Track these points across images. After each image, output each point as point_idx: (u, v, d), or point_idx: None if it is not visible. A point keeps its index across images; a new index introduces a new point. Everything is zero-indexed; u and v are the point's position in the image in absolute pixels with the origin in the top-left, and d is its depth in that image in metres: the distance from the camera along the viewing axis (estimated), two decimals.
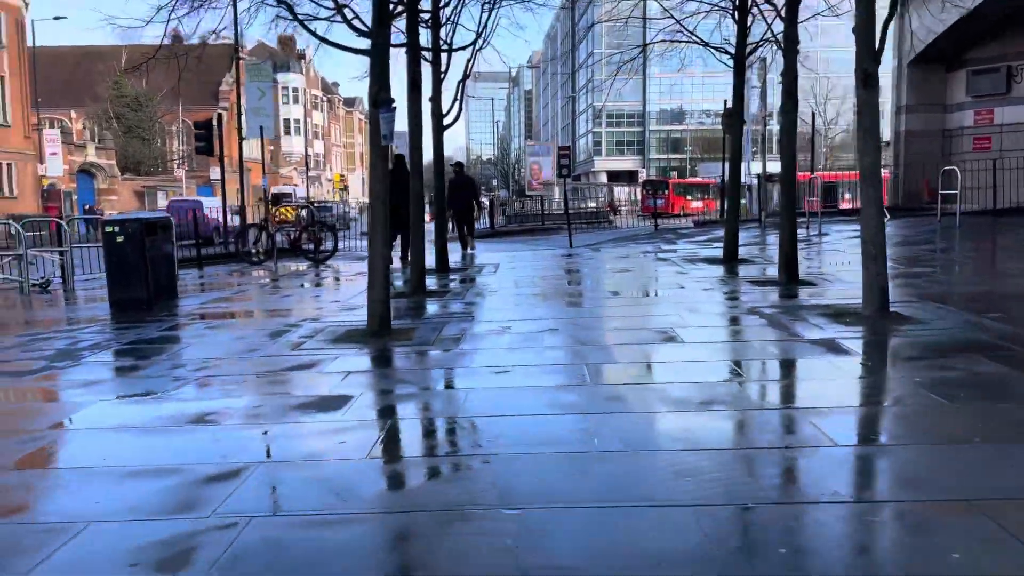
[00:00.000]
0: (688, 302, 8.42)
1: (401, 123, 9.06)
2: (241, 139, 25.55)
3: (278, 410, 4.68)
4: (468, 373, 5.58)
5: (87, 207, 40.03)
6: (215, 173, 63.75)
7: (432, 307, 8.88)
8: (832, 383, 4.97)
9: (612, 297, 9.04)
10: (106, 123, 55.75)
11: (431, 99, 12.13)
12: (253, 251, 14.93)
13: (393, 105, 7.07)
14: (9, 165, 39.62)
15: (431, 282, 11.02)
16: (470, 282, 10.95)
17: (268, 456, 3.82)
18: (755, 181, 34.18)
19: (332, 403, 4.78)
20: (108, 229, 9.42)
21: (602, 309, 8.31)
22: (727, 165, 12.03)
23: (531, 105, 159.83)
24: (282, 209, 21.48)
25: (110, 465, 3.81)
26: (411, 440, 4.17)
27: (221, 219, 19.87)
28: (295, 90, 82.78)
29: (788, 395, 4.81)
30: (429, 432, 4.31)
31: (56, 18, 40.10)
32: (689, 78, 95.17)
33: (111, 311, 9.35)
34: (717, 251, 13.95)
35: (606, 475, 3.39)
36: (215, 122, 22.90)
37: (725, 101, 31.10)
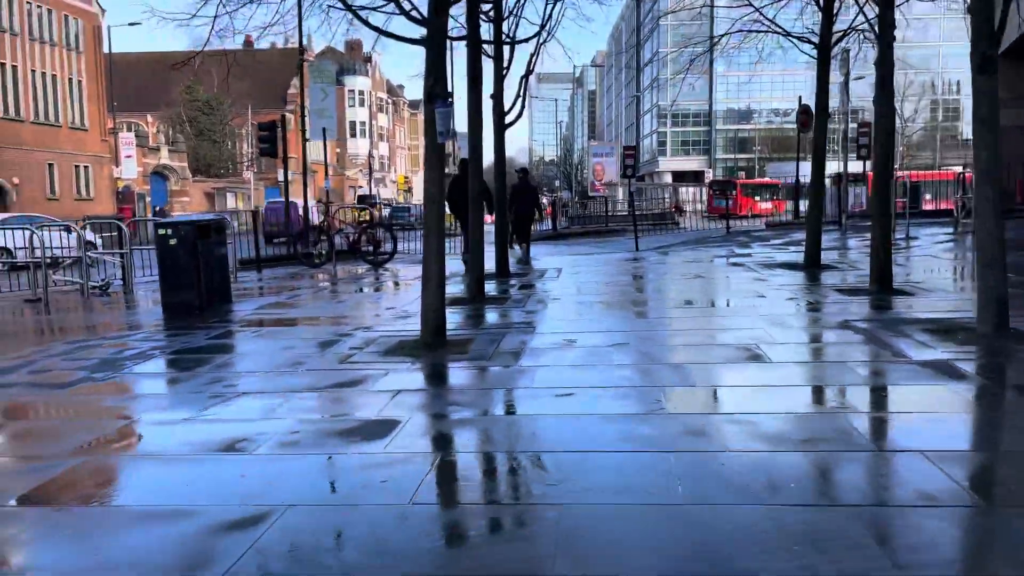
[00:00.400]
0: (771, 314, 7.66)
1: (461, 122, 8.56)
2: (304, 141, 25.59)
3: (316, 437, 4.18)
4: (529, 396, 4.99)
5: (157, 208, 40.95)
6: (282, 175, 64.51)
7: (491, 316, 8.33)
8: (958, 418, 4.21)
9: (685, 307, 8.33)
10: (179, 127, 57.21)
11: (492, 96, 11.60)
12: (314, 252, 14.66)
13: (450, 100, 6.54)
14: (86, 168, 40.79)
15: (491, 287, 10.49)
16: (531, 288, 10.38)
17: (297, 498, 3.30)
18: (828, 181, 32.72)
19: (377, 429, 4.25)
20: (160, 231, 9.17)
21: (675, 321, 7.62)
22: (810, 162, 11.14)
23: (595, 105, 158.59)
24: (355, 211, 21.26)
25: (119, 504, 3.36)
26: (463, 481, 3.60)
27: (314, 219, 19.95)
28: (361, 93, 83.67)
29: (908, 432, 4.06)
30: (484, 471, 3.74)
31: (131, 24, 40.78)
32: (758, 77, 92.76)
33: (163, 316, 9.09)
34: (796, 256, 13.05)
35: (695, 539, 2.75)
36: (279, 124, 22.86)
37: (800, 97, 29.81)
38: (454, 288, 10.41)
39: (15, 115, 35.86)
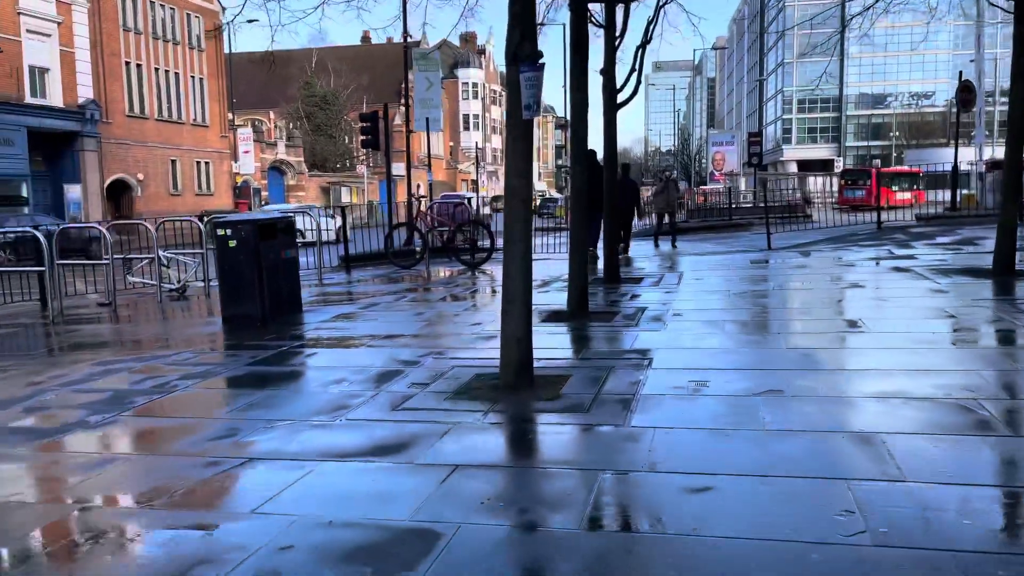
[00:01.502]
0: (977, 347, 5.67)
1: (556, 96, 6.93)
2: (409, 132, 24.65)
3: (314, 561, 2.70)
4: (644, 484, 3.34)
5: (238, 202, 41.27)
6: (397, 168, 65.33)
7: (595, 339, 6.69)
8: None
9: (850, 332, 6.39)
10: (296, 122, 58.29)
11: (603, 71, 9.91)
12: (417, 249, 13.42)
13: (541, 62, 4.94)
14: (207, 163, 41.75)
15: (596, 299, 8.84)
16: (645, 300, 8.65)
17: None
18: (982, 167, 28.93)
19: (405, 550, 2.73)
20: (220, 232, 8.04)
21: (841, 355, 5.73)
22: (1007, 138, 8.85)
23: (713, 93, 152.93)
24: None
25: None
26: None
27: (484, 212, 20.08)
28: (474, 85, 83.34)
29: None
30: None
31: (249, 21, 41.43)
32: (893, 58, 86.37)
33: (223, 329, 7.97)
34: (976, 258, 10.67)
35: None
36: (380, 115, 21.92)
37: (960, 73, 26.38)
38: (555, 297, 8.82)
39: (140, 112, 36.91)
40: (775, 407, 4.36)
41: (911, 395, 4.49)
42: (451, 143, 79.74)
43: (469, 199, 14.10)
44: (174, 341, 7.46)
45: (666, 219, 18.05)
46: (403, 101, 23.41)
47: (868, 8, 12.18)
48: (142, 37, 36.96)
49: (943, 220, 19.25)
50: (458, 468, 3.61)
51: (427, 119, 22.02)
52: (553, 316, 7.75)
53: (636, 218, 16.98)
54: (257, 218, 8.22)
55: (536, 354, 5.52)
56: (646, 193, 28.22)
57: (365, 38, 77.68)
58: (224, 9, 43.47)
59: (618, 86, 9.93)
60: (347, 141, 62.27)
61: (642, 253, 15.28)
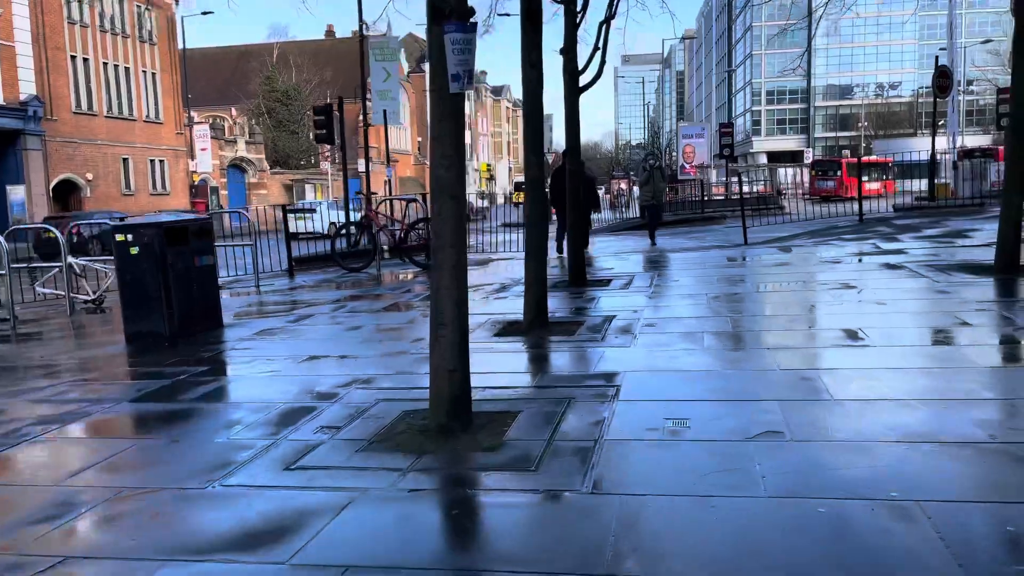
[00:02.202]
0: (1012, 367, 4.76)
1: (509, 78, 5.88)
2: (367, 126, 23.47)
3: None
4: None
5: (194, 202, 39.59)
6: (362, 165, 63.83)
7: (553, 358, 5.69)
8: None
9: (855, 348, 5.41)
10: (258, 118, 56.58)
11: (563, 50, 8.89)
12: (368, 249, 12.30)
13: (471, 20, 3.90)
14: (161, 162, 40.16)
15: (560, 304, 7.83)
16: (615, 308, 7.66)
17: None
18: (956, 156, 28.44)
19: None
20: (119, 237, 6.89)
21: (850, 377, 4.76)
22: (1010, 124, 7.98)
23: (683, 86, 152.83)
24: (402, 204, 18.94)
25: None
26: None
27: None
28: None
29: None
30: None
31: (204, 13, 39.86)
32: (861, 48, 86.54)
33: (125, 350, 6.84)
34: (971, 253, 9.83)
35: None
36: (335, 107, 20.72)
37: (936, 59, 25.75)
38: (513, 305, 7.79)
39: (88, 109, 35.24)
40: (774, 458, 3.38)
41: (945, 437, 3.52)
42: (419, 138, 78.32)
43: (425, 196, 12.98)
44: (59, 367, 6.31)
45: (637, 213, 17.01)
46: (362, 94, 22.18)
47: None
48: (89, 30, 35.26)
49: (923, 211, 18.54)
50: (348, 573, 2.57)
51: (384, 111, 20.89)
52: (507, 329, 6.73)
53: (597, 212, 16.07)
54: (164, 221, 7.09)
55: (480, 380, 4.52)
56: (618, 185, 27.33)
57: (329, 32, 75.96)
58: (177, 2, 41.85)
59: (580, 67, 8.92)
60: (311, 137, 60.65)
61: (613, 250, 14.32)
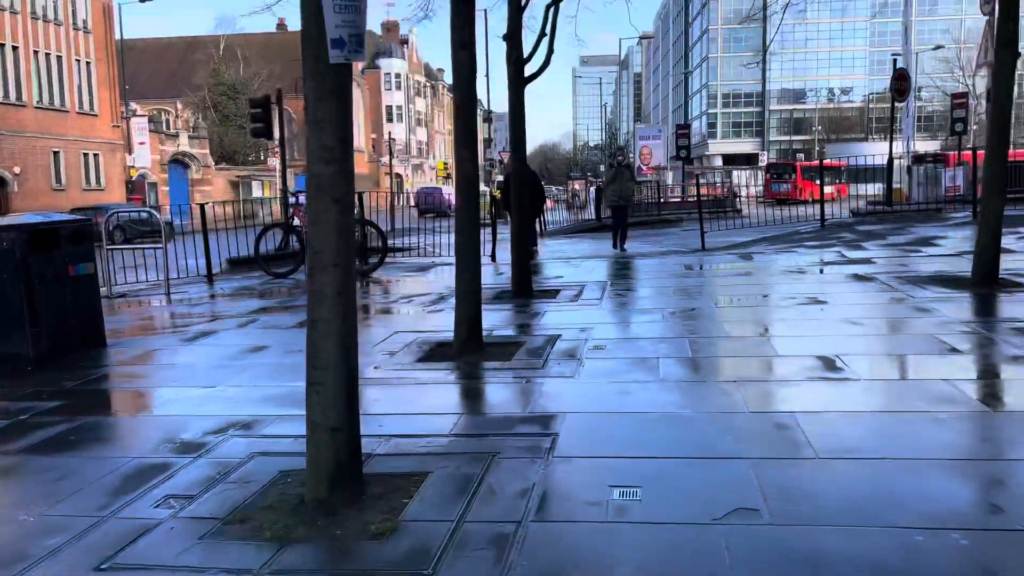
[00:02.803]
0: (997, 403, 4.00)
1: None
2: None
3: None
4: None
5: (131, 198, 37.80)
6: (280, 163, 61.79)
7: (480, 392, 4.79)
8: None
9: (836, 382, 4.57)
10: (204, 112, 54.59)
11: (506, 36, 8.00)
12: (296, 252, 11.23)
13: None
14: (96, 155, 38.24)
15: (499, 319, 6.92)
16: (561, 325, 6.78)
17: None
18: (906, 161, 28.29)
19: None
20: None
21: (835, 424, 3.93)
22: (990, 128, 7.27)
23: (640, 88, 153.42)
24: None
25: None
26: None
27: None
28: (397, 76, 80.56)
29: None
30: None
31: (142, 0, 38.08)
32: (813, 53, 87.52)
33: None
34: (942, 263, 9.18)
35: None
36: (273, 100, 19.51)
37: (895, 60, 25.47)
38: (447, 320, 6.86)
39: (16, 99, 33.29)
40: (749, 552, 2.51)
41: (973, 521, 2.70)
42: (373, 135, 76.82)
43: (360, 196, 11.94)
44: None
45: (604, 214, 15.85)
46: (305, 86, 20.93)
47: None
48: (19, 17, 33.28)
49: (881, 216, 18.07)
50: None
51: None
52: (434, 352, 5.80)
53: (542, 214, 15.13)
54: (28, 222, 5.99)
55: (387, 424, 3.65)
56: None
57: (280, 25, 74.09)
58: None
59: (526, 55, 8.03)
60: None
61: (566, 254, 13.46)
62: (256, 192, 51.30)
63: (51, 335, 6.01)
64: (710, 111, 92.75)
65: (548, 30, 8.18)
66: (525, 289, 8.27)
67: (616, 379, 4.82)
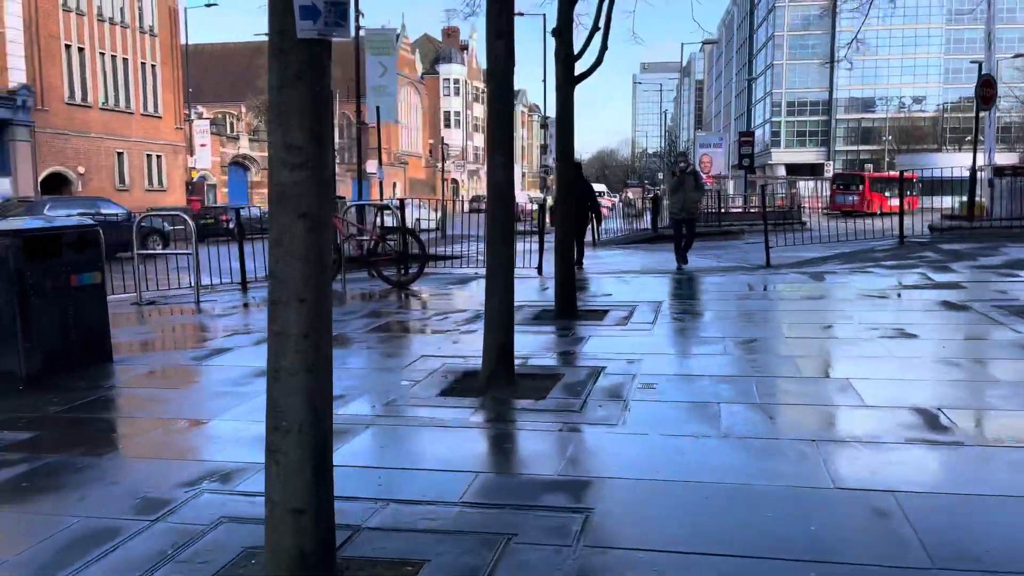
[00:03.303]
0: None
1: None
2: (359, 124, 21.94)
3: None
4: None
5: (190, 199, 37.91)
6: (371, 167, 62.84)
7: (504, 446, 4.05)
8: None
9: (944, 448, 3.70)
10: (265, 115, 55.21)
11: (556, 31, 7.28)
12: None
13: None
14: (159, 157, 38.82)
15: (537, 344, 6.18)
16: (606, 355, 6.01)
17: None
18: (985, 175, 26.57)
19: None
20: None
21: (953, 516, 3.11)
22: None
23: (702, 95, 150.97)
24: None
25: None
26: None
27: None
28: (456, 82, 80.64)
29: None
30: None
31: (208, 5, 38.60)
32: (885, 61, 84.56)
33: None
34: None
35: None
36: None
37: (979, 66, 23.90)
38: (479, 342, 6.14)
39: (82, 100, 33.92)
40: None
41: None
42: (431, 140, 76.91)
43: (402, 203, 11.33)
44: None
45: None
46: (356, 90, 20.62)
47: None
48: (85, 18, 33.94)
49: (963, 232, 16.74)
50: None
51: (378, 108, 19.32)
52: (459, 384, 5.09)
53: (597, 227, 14.18)
54: (26, 228, 5.50)
55: (387, 485, 2.96)
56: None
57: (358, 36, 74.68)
58: None
59: (577, 51, 7.29)
60: None
61: (617, 268, 12.64)
62: None
63: (47, 351, 5.50)
64: (774, 119, 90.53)
65: (602, 24, 7.43)
66: (569, 309, 7.51)
67: (668, 431, 4.03)
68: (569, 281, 7.58)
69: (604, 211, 33.08)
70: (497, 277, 5.00)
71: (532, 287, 9.92)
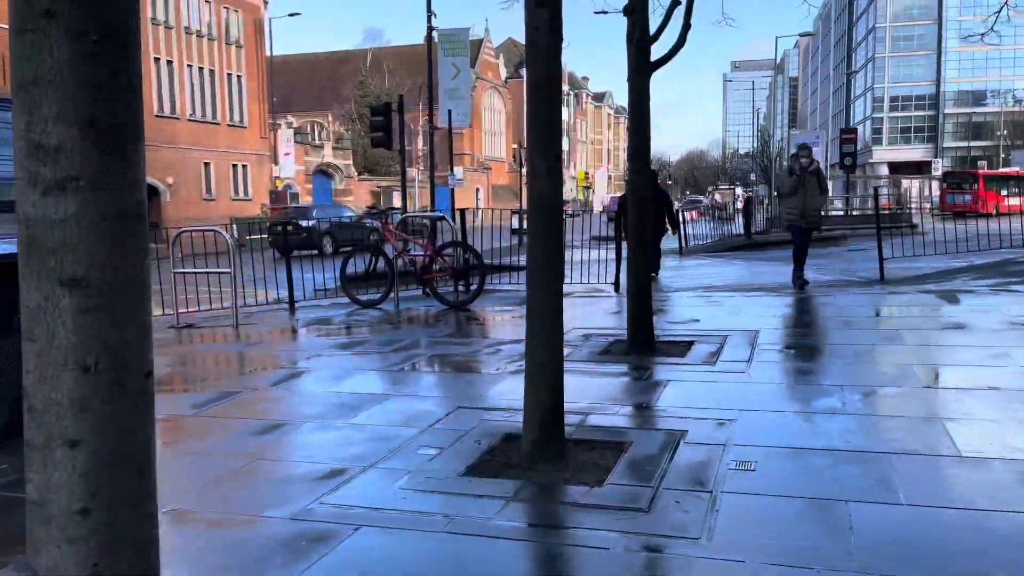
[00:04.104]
0: None
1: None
2: (432, 129, 21.10)
3: None
4: None
5: (262, 206, 37.74)
6: (460, 172, 62.67)
7: (561, 560, 2.86)
8: None
9: None
10: (350, 124, 55.65)
11: (626, 10, 6.05)
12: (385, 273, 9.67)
13: None
14: (245, 166, 39.30)
15: (599, 393, 4.96)
16: (688, 410, 4.73)
17: None
18: None
19: None
20: None
21: None
22: None
23: (796, 93, 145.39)
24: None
25: None
26: None
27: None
28: None
29: None
30: None
31: (291, 15, 38.90)
32: (997, 51, 78.93)
33: None
34: None
35: None
36: (395, 108, 18.38)
37: None
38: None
39: (170, 112, 34.55)
40: None
41: None
42: (514, 145, 76.17)
43: (462, 213, 10.25)
44: None
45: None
46: (428, 92, 19.77)
47: None
48: (173, 32, 34.59)
49: None
50: None
51: (449, 112, 18.44)
52: (495, 457, 3.93)
53: (670, 231, 12.62)
54: None
55: None
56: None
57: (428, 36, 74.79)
58: (267, 3, 40.97)
59: (652, 32, 6.04)
60: (409, 144, 59.28)
61: (706, 282, 11.21)
62: (397, 203, 51.61)
63: (14, 399, 4.65)
64: (875, 115, 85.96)
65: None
66: (644, 340, 6.24)
67: (777, 554, 2.76)
68: (643, 306, 6.30)
69: (692, 215, 31.23)
70: (542, 318, 3.81)
71: (604, 308, 8.69)
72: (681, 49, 6.14)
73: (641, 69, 6.02)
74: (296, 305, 9.69)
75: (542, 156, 3.66)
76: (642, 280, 6.30)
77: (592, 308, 8.91)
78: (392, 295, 9.31)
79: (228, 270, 8.40)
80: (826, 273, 12.51)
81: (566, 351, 4.25)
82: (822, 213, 10.79)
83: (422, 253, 9.27)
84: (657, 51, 6.19)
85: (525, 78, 3.86)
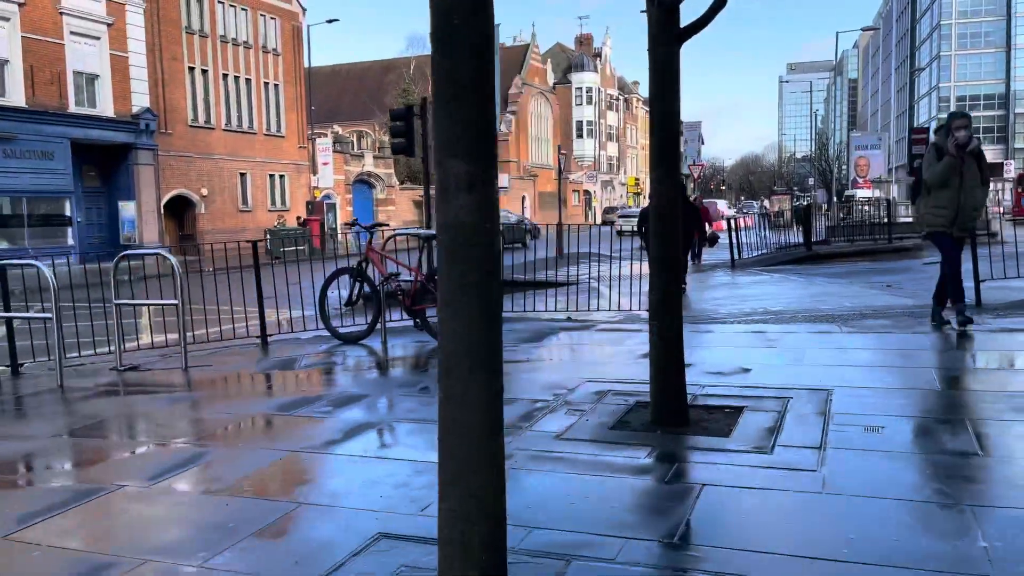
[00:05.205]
0: None
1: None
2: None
3: None
4: None
5: (298, 218, 36.40)
6: (503, 180, 61.03)
7: None
8: None
9: None
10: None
11: None
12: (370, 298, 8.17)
13: None
14: (282, 176, 38.55)
15: (601, 510, 3.29)
16: (734, 544, 3.07)
17: None
18: None
19: None
20: None
21: None
22: None
23: (855, 95, 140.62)
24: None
25: None
26: None
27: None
28: (588, 90, 77.85)
29: None
30: None
31: (329, 21, 37.95)
32: None
33: None
34: None
35: None
36: (416, 111, 16.93)
37: None
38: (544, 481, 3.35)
39: (205, 122, 33.90)
40: None
41: None
42: (564, 151, 74.48)
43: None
44: None
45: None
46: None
47: None
48: (208, 40, 33.95)
49: None
50: None
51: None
52: None
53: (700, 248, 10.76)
54: None
55: None
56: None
57: None
58: (305, 10, 40.18)
59: None
60: None
61: (762, 305, 9.39)
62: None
63: None
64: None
65: None
66: (672, 407, 4.53)
67: None
68: (671, 358, 4.57)
69: (719, 225, 28.73)
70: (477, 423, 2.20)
71: (633, 349, 6.99)
72: (722, 9, 4.45)
73: (665, 38, 4.36)
74: (269, 338, 8.23)
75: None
76: (672, 323, 4.60)
77: (618, 348, 7.22)
78: (378, 327, 7.77)
79: (174, 301, 6.96)
80: (900, 295, 10.59)
81: (568, 419, 2.69)
82: (979, 212, 7.20)
83: (411, 279, 7.71)
84: (687, 16, 4.53)
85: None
